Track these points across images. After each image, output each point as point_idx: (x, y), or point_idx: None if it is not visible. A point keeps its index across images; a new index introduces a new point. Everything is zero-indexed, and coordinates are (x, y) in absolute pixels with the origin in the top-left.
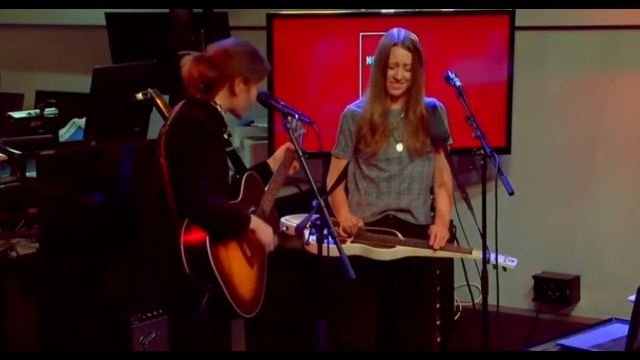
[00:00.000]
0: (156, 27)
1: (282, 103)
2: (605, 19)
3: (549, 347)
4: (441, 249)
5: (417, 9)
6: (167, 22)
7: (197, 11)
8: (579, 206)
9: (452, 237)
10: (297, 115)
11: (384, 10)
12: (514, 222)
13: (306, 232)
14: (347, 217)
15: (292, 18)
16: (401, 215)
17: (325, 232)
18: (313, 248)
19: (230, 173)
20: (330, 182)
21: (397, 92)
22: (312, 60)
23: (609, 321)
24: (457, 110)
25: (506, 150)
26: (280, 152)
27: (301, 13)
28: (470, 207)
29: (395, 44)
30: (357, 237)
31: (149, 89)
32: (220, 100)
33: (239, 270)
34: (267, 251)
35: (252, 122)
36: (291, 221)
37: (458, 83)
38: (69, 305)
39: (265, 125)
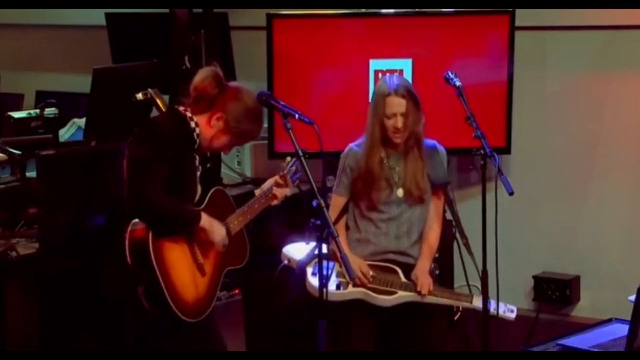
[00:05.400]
0: (156, 27)
1: (282, 103)
2: (604, 18)
3: (549, 347)
4: (442, 296)
5: (417, 9)
6: (167, 22)
7: (197, 11)
8: (579, 206)
9: (452, 237)
10: (297, 115)
11: (384, 10)
12: (514, 222)
13: (309, 270)
14: (360, 265)
15: (292, 18)
16: (401, 259)
17: (325, 231)
18: (313, 290)
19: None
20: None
21: (399, 140)
22: (311, 60)
23: (609, 321)
24: (457, 110)
25: (506, 150)
26: (267, 183)
27: (301, 13)
28: (470, 253)
29: (389, 94)
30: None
31: (149, 89)
32: (199, 120)
33: (184, 273)
34: (218, 250)
35: None
36: (293, 253)
37: (458, 83)
38: (69, 305)
39: (266, 125)
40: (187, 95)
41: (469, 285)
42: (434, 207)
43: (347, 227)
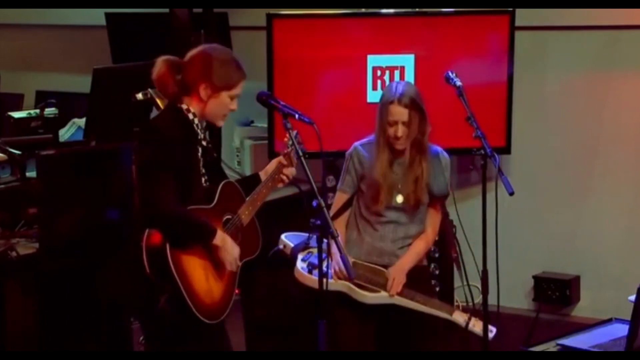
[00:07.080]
0: (156, 27)
1: (282, 103)
2: (605, 18)
3: (549, 347)
4: (425, 304)
5: (417, 9)
6: (167, 22)
7: (197, 11)
8: (579, 206)
9: (452, 237)
10: (297, 115)
11: (384, 10)
12: (514, 222)
13: (300, 256)
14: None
15: (292, 18)
16: (395, 262)
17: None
18: (300, 276)
19: (204, 181)
20: (333, 214)
21: (400, 147)
22: (312, 61)
23: (609, 321)
24: (457, 110)
25: (506, 150)
26: (271, 165)
27: (301, 13)
28: (459, 268)
29: (392, 102)
30: None
31: (149, 89)
32: (192, 106)
33: (203, 276)
34: (229, 270)
35: (252, 122)
36: (290, 240)
37: (458, 83)
38: (69, 305)
39: (265, 125)
40: (164, 93)
41: (469, 285)
42: (430, 217)
43: (347, 225)
